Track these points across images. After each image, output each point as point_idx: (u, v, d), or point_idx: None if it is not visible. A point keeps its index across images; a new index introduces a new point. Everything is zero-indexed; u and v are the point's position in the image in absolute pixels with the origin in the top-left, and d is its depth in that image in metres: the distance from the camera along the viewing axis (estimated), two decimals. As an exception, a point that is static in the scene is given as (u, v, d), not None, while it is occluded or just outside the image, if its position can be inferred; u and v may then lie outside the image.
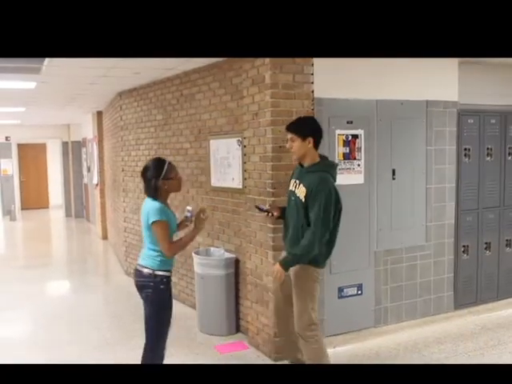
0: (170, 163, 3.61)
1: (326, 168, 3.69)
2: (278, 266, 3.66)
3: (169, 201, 3.71)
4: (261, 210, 4.07)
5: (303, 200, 3.61)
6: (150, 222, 3.47)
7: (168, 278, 3.57)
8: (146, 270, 3.53)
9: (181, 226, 3.80)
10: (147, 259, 3.56)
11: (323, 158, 3.80)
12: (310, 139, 3.64)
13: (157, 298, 3.53)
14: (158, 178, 3.51)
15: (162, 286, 3.52)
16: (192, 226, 3.66)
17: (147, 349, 3.58)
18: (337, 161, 4.62)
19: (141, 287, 3.57)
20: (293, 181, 3.82)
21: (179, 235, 3.69)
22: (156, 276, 3.51)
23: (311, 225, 3.56)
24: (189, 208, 3.81)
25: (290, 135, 3.71)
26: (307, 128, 3.69)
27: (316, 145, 3.69)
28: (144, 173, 3.60)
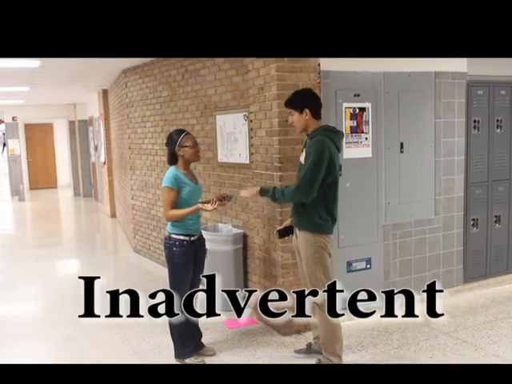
0: (187, 133, 3.94)
1: (325, 132, 3.69)
2: (257, 189, 3.89)
3: None
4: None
5: (304, 164, 3.65)
6: (162, 186, 3.86)
7: (182, 242, 3.87)
8: (166, 233, 3.97)
9: (211, 201, 3.79)
10: (168, 223, 3.95)
11: (327, 126, 3.82)
12: (307, 110, 3.67)
13: (170, 257, 3.92)
14: (174, 145, 3.87)
15: (174, 248, 3.88)
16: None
17: None
18: (344, 134, 4.56)
19: (163, 247, 4.01)
20: None
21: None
22: (170, 238, 3.91)
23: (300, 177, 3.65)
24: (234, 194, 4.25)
25: (289, 110, 3.79)
26: (302, 100, 3.73)
27: (314, 114, 3.71)
28: (166, 142, 3.99)
